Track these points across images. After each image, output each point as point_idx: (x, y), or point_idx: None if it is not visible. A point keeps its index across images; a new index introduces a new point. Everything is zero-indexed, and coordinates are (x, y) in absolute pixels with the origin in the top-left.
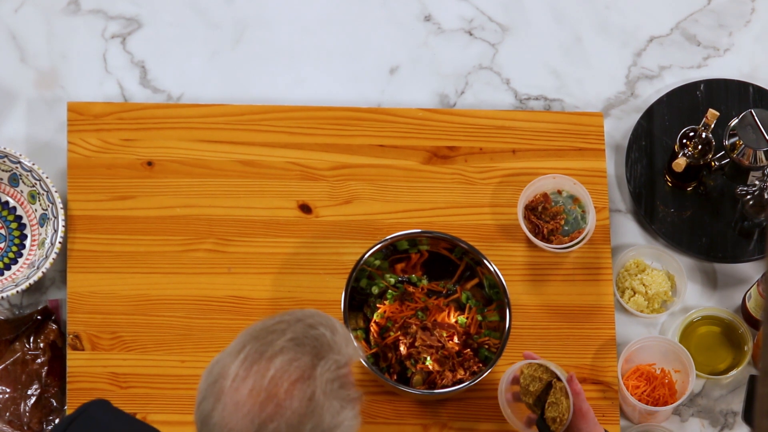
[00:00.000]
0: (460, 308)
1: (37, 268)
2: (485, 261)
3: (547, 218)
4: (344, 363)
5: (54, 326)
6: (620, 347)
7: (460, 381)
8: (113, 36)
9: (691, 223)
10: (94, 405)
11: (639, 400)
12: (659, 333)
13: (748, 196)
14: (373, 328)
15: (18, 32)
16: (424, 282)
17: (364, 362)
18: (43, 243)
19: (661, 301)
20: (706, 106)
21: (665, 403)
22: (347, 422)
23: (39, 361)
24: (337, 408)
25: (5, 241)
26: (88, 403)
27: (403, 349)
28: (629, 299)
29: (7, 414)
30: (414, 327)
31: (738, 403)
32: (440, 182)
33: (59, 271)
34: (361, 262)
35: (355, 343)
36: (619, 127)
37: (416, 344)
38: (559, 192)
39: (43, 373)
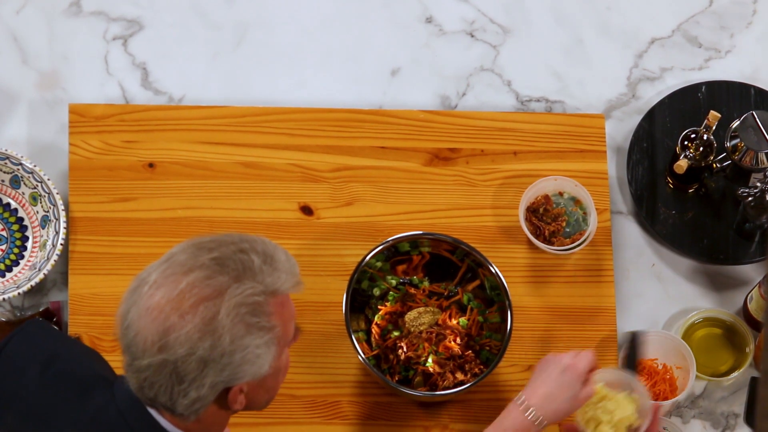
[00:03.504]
0: (462, 310)
1: (39, 269)
2: (487, 263)
3: (548, 220)
4: (261, 291)
5: (55, 328)
6: (622, 349)
7: (462, 383)
8: (115, 38)
9: (693, 225)
10: (32, 323)
11: None
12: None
13: (750, 198)
14: (375, 329)
15: (19, 34)
16: (426, 284)
17: (365, 364)
18: (44, 245)
19: (627, 424)
20: (707, 107)
21: (665, 399)
22: (252, 349)
23: None
24: (241, 332)
25: (7, 242)
26: (27, 322)
27: (404, 347)
28: (594, 429)
29: None
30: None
31: (739, 405)
32: (441, 184)
33: (61, 273)
34: (363, 263)
35: (298, 279)
36: (620, 129)
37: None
38: (561, 194)
39: None
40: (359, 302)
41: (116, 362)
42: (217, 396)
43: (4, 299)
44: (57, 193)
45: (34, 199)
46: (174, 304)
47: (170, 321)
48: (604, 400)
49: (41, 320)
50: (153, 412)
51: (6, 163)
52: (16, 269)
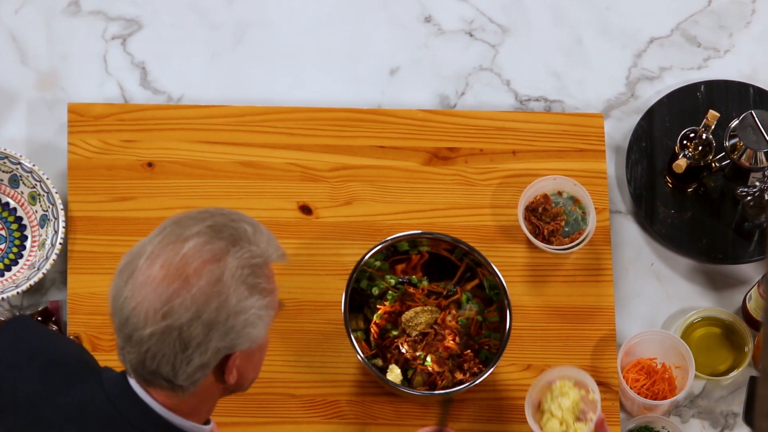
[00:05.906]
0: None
1: (38, 269)
2: (486, 262)
3: (547, 219)
4: (259, 254)
5: (54, 327)
6: (621, 348)
7: (461, 382)
8: (114, 37)
9: (692, 225)
10: (15, 320)
11: (638, 394)
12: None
13: (749, 197)
14: (374, 329)
15: (18, 33)
16: (425, 283)
17: (364, 363)
18: (43, 244)
19: (576, 412)
20: (706, 107)
21: (664, 398)
22: (255, 310)
23: None
24: (244, 293)
25: (6, 242)
26: (10, 319)
27: (405, 348)
28: (546, 422)
29: None
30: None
31: (738, 405)
32: (441, 183)
33: (60, 272)
34: (362, 263)
35: (282, 250)
36: (619, 129)
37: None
38: (560, 193)
39: None
40: (358, 301)
41: (115, 362)
42: (217, 364)
43: (3, 298)
44: (56, 193)
45: (33, 198)
46: (177, 270)
47: (174, 286)
48: (561, 396)
49: (23, 316)
50: (144, 395)
51: (5, 163)
52: (15, 268)
